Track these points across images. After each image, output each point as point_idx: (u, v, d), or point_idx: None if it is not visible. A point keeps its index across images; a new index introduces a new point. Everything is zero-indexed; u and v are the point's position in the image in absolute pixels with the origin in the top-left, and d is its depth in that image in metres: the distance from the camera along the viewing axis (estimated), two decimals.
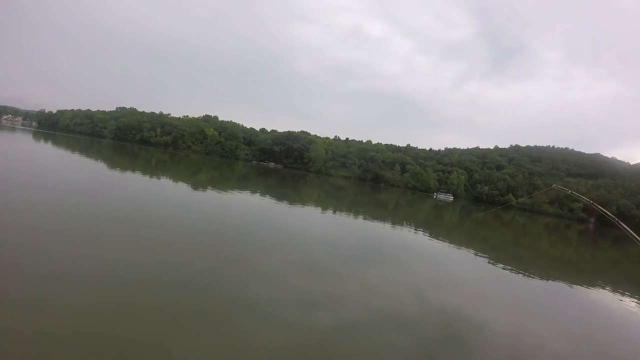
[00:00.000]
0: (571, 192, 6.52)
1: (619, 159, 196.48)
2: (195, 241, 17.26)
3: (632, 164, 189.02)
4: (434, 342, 11.15)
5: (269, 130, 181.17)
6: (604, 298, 21.64)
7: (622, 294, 22.68)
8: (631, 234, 4.63)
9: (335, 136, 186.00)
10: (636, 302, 21.30)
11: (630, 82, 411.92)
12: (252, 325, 9.85)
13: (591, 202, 6.16)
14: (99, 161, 54.58)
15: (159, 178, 43.09)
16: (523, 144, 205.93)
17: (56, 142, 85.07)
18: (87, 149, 76.35)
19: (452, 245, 30.77)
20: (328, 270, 16.68)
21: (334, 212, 40.36)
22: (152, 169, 54.98)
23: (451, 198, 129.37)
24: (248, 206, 33.00)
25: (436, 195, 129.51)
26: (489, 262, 26.19)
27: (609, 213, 5.56)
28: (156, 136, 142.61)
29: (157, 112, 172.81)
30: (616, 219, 5.02)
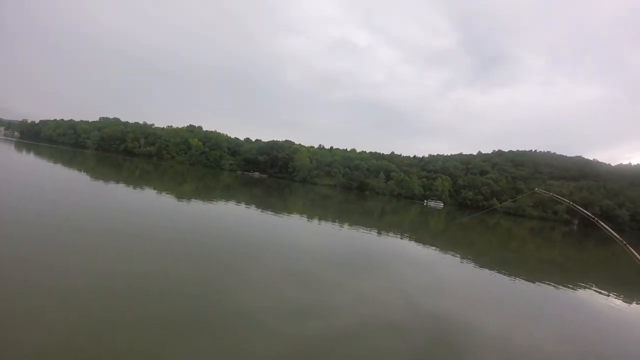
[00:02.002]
0: (552, 195, 6.69)
1: (600, 160, 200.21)
2: (181, 252, 17.17)
3: (613, 165, 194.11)
4: (425, 346, 11.26)
5: (253, 140, 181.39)
6: (590, 297, 22.10)
7: (608, 292, 23.21)
8: (610, 232, 4.80)
9: (320, 145, 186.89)
10: (621, 300, 21.90)
11: (609, 85, 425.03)
12: (242, 335, 9.83)
13: (571, 203, 6.16)
14: (82, 172, 54.06)
15: (142, 189, 42.75)
16: (506, 149, 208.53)
17: (38, 152, 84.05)
18: (70, 160, 75.43)
19: (438, 250, 31.04)
20: (317, 278, 16.73)
21: (320, 220, 40.47)
22: (136, 180, 54.56)
23: (441, 205, 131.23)
24: (233, 216, 32.94)
25: (427, 203, 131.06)
26: (475, 266, 26.51)
27: (588, 213, 5.64)
28: (140, 147, 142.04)
29: (141, 122, 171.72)
30: (595, 218, 5.25)
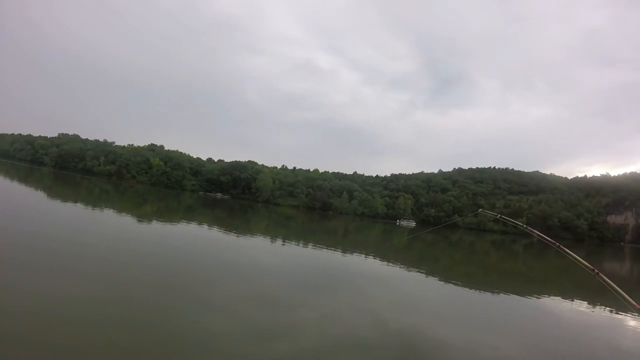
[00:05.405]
0: (500, 217, 6.68)
1: (557, 175, 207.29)
2: (141, 275, 16.82)
3: (569, 178, 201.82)
4: None
5: (215, 160, 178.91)
6: (555, 304, 23.14)
7: (572, 299, 24.09)
8: (542, 237, 5.16)
9: (283, 165, 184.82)
10: (586, 305, 22.83)
11: (559, 105, 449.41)
12: None
13: (513, 221, 6.38)
14: (39, 190, 52.82)
15: (102, 209, 42.13)
16: (466, 167, 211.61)
17: None
18: (26, 177, 73.42)
19: (403, 267, 31.55)
20: (281, 299, 16.62)
21: (284, 241, 40.60)
22: (95, 200, 53.59)
23: (413, 224, 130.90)
24: (195, 238, 32.70)
25: (399, 222, 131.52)
26: (440, 281, 27.14)
27: (518, 222, 5.94)
28: (99, 165, 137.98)
29: (101, 139, 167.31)
30: (525, 226, 5.68)
